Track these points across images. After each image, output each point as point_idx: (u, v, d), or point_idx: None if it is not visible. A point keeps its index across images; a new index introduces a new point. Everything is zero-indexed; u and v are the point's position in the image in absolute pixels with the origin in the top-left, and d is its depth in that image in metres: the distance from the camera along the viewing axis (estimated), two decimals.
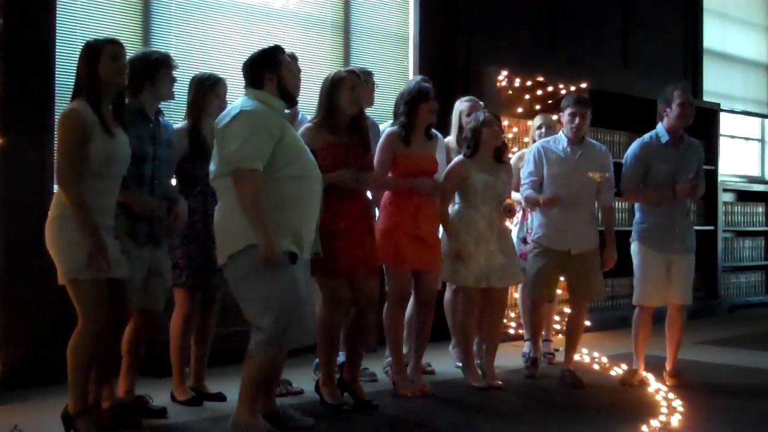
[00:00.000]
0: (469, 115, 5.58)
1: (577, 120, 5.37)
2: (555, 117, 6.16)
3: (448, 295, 5.68)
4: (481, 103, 5.86)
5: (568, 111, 5.41)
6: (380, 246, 4.77)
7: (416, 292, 5.04)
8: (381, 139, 4.90)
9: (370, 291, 4.65)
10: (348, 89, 4.56)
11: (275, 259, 3.74)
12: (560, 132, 5.57)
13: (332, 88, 4.56)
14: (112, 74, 3.88)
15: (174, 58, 4.42)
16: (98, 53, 3.84)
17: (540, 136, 5.91)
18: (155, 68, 4.25)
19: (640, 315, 5.40)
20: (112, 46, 3.90)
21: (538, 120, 6.18)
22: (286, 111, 4.16)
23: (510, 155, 6.00)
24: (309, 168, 3.96)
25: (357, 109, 4.64)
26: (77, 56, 3.92)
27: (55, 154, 3.95)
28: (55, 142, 3.98)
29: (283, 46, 4.10)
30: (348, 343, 4.77)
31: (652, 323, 5.44)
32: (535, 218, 5.55)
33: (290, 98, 4.07)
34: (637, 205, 5.54)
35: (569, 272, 5.49)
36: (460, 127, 5.64)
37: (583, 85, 7.61)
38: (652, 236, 5.32)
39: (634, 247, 5.41)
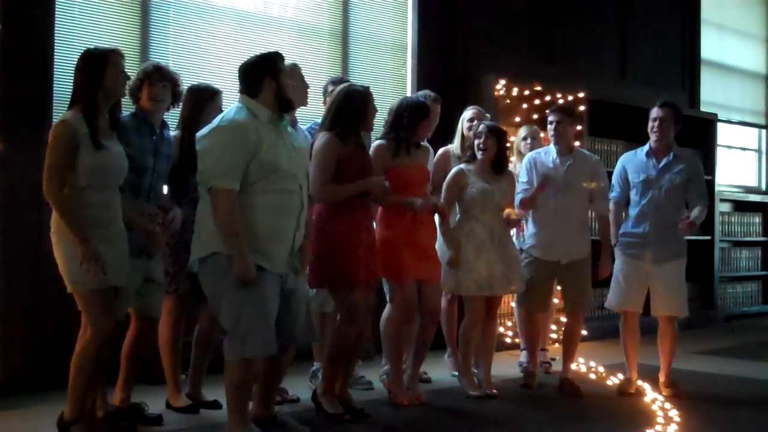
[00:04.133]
0: (471, 121, 5.67)
1: (557, 128, 5.46)
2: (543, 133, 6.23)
3: (444, 304, 5.67)
4: (488, 114, 5.90)
5: (549, 119, 5.54)
6: (381, 259, 4.78)
7: (420, 303, 5.02)
8: (371, 153, 4.87)
9: (370, 304, 4.67)
10: (373, 106, 4.67)
11: (251, 277, 3.74)
12: (551, 143, 5.64)
13: (364, 103, 4.61)
14: (117, 85, 3.91)
15: (173, 65, 4.43)
16: (103, 63, 3.85)
17: (525, 147, 5.99)
18: (152, 75, 4.29)
19: (624, 323, 5.45)
20: (117, 56, 3.92)
21: (523, 131, 6.25)
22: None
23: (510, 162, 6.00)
24: (286, 182, 3.91)
25: (372, 126, 4.80)
26: (76, 62, 3.91)
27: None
28: None
29: (282, 54, 4.09)
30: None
31: (641, 332, 5.46)
32: (527, 228, 5.58)
33: (288, 105, 4.04)
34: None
35: (562, 282, 5.56)
36: (463, 135, 5.69)
37: (581, 95, 7.62)
38: (625, 244, 5.42)
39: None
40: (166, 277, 4.52)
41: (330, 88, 5.30)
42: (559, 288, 5.75)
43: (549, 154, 5.55)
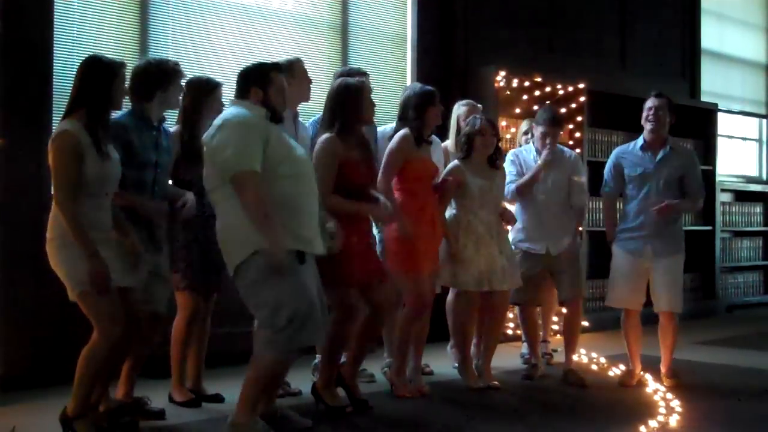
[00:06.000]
0: (466, 118, 5.60)
1: (548, 141, 5.47)
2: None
3: (450, 296, 5.67)
4: (480, 106, 5.88)
5: (541, 129, 5.52)
6: (395, 254, 4.79)
7: None
8: (394, 143, 4.81)
9: (389, 296, 4.60)
10: (369, 97, 4.56)
11: (283, 261, 3.72)
12: (530, 142, 5.73)
13: (356, 96, 4.49)
14: (121, 98, 3.94)
15: (172, 59, 4.42)
16: (113, 74, 3.85)
17: (527, 142, 5.95)
18: (170, 77, 4.25)
19: (625, 319, 5.43)
20: (123, 68, 3.92)
21: (525, 125, 6.22)
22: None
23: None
24: (300, 165, 3.93)
25: (372, 118, 4.68)
26: (75, 60, 3.93)
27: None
28: None
29: (280, 65, 4.10)
30: (357, 343, 4.70)
31: (645, 324, 5.45)
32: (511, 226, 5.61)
33: (273, 116, 3.97)
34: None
35: (555, 273, 5.57)
36: (458, 131, 5.65)
37: (581, 85, 7.61)
38: (624, 239, 5.40)
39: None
40: (178, 273, 4.53)
41: None
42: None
43: (530, 152, 5.63)
